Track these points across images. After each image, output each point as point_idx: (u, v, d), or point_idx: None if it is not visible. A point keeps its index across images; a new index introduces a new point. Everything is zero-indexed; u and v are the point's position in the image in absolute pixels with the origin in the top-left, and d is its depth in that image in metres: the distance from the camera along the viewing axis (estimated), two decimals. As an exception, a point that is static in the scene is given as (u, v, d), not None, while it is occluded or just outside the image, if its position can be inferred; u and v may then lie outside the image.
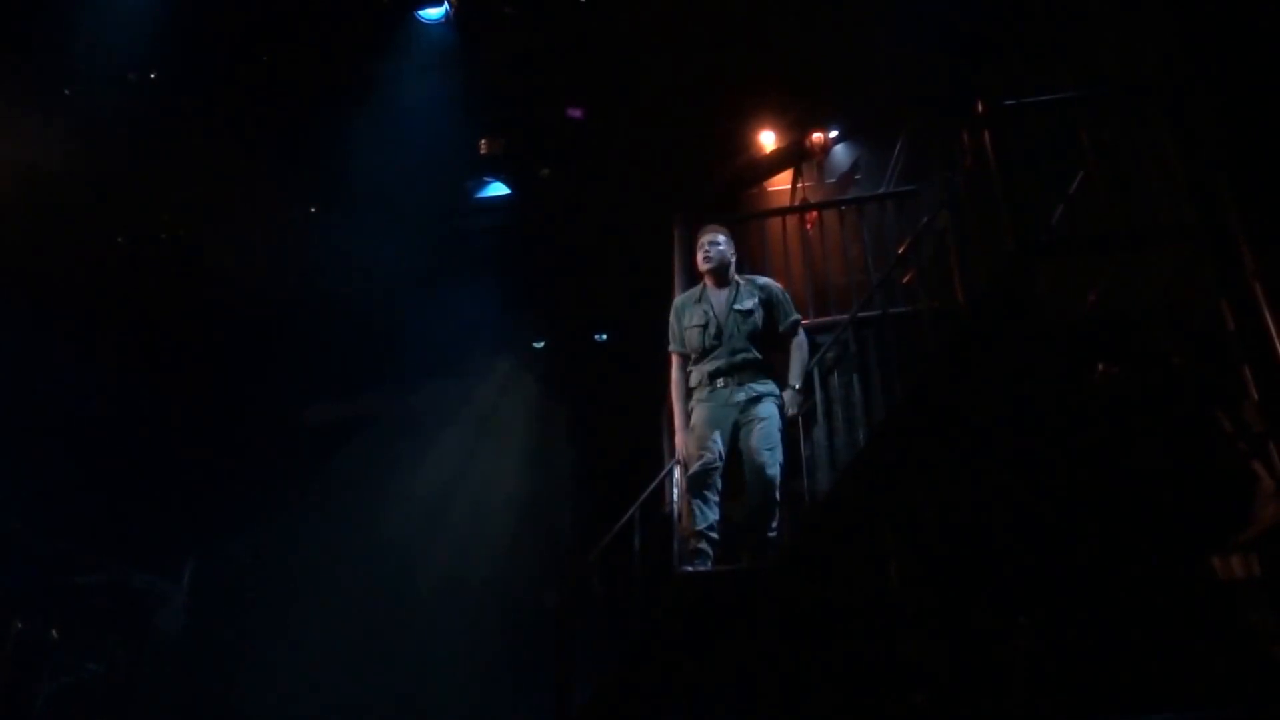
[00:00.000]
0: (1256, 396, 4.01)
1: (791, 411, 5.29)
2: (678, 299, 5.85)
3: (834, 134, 8.05)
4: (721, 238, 5.65)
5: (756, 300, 5.48)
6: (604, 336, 9.88)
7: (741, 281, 5.61)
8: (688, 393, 5.53)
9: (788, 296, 5.63)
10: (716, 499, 5.15)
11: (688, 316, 5.59)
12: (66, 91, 7.48)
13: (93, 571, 8.27)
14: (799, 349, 5.47)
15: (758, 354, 5.37)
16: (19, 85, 7.30)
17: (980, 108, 4.78)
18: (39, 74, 7.33)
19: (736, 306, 5.46)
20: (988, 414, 4.76)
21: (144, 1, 7.21)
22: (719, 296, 5.56)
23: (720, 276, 5.61)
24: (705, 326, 5.47)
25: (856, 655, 4.58)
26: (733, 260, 5.69)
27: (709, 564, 4.97)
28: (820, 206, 6.92)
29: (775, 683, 4.58)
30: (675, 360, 5.68)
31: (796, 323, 5.52)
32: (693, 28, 7.32)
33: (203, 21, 7.42)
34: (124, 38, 7.24)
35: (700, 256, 5.65)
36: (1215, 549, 4.38)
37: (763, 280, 5.67)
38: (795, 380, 5.35)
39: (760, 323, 5.43)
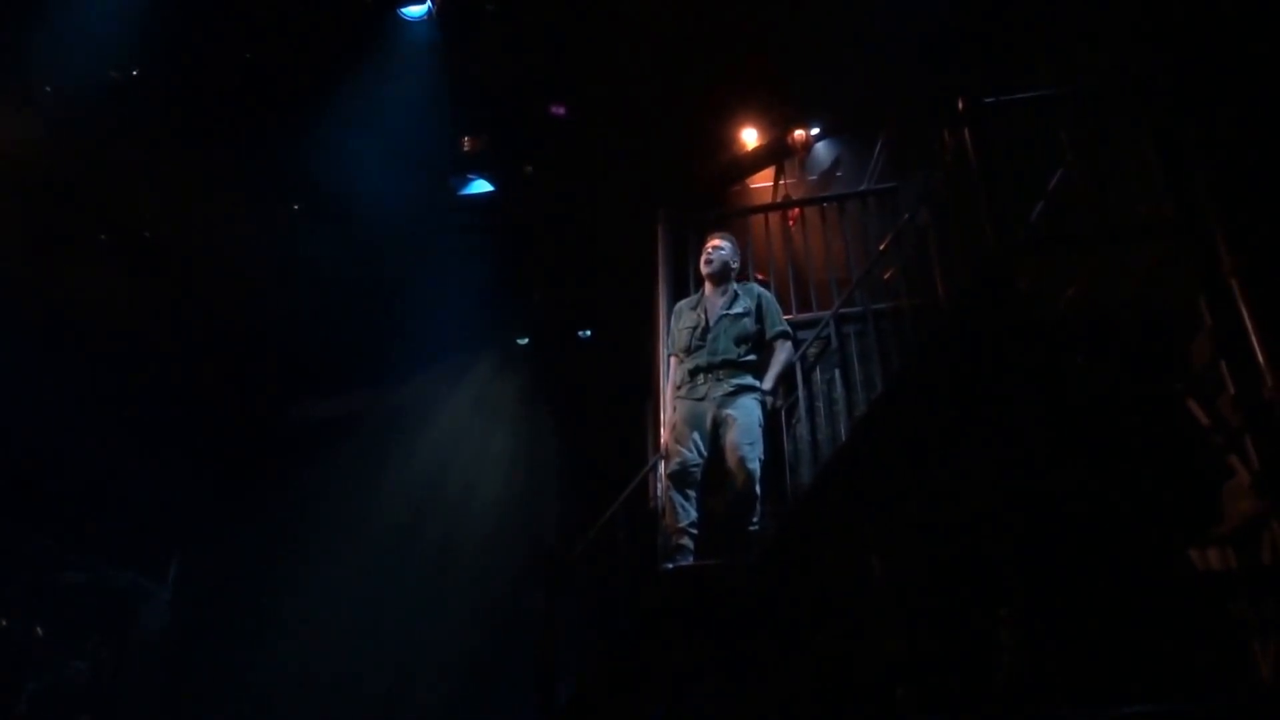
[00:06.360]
0: (1233, 391, 4.05)
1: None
2: (679, 303, 5.92)
3: (815, 131, 8.09)
4: (726, 245, 5.77)
5: (749, 306, 5.54)
6: (588, 333, 9.89)
7: (739, 289, 5.67)
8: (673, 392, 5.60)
9: (778, 309, 5.70)
10: (696, 496, 5.19)
11: (683, 319, 5.67)
12: (48, 88, 7.44)
13: (77, 570, 8.26)
14: (780, 353, 5.52)
15: (741, 355, 5.40)
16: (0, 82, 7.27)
17: (960, 105, 4.80)
18: (21, 70, 7.28)
19: (728, 310, 5.52)
20: (968, 409, 4.79)
21: (127, -1, 7.20)
22: (715, 300, 5.63)
23: (719, 281, 5.68)
24: (695, 328, 5.54)
25: (838, 648, 4.60)
26: (735, 267, 5.77)
27: (691, 559, 5.01)
28: (802, 203, 6.94)
29: (758, 677, 4.60)
30: (671, 363, 5.74)
31: (782, 334, 5.57)
32: (676, 25, 7.33)
33: (186, 19, 7.39)
34: (106, 34, 7.21)
35: (703, 260, 5.75)
36: (1194, 542, 4.42)
37: (759, 290, 5.77)
38: (767, 383, 5.41)
39: (750, 327, 5.50)
